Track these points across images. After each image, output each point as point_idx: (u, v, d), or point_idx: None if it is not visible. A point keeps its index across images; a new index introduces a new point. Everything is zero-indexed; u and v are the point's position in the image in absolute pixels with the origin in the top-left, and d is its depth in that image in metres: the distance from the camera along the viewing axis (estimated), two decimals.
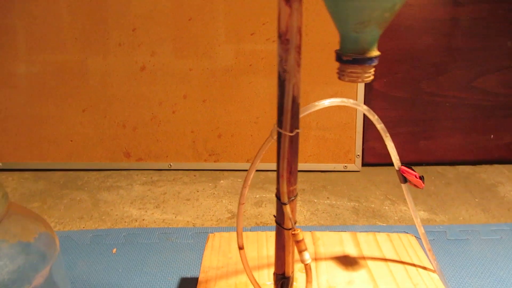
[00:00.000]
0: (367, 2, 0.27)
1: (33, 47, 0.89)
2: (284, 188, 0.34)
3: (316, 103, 0.37)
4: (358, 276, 0.46)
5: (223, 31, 0.88)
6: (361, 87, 0.91)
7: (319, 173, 0.92)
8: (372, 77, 0.31)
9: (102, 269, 0.60)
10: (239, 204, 0.37)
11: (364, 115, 0.93)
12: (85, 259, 0.62)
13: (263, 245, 0.51)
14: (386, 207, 0.79)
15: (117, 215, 0.76)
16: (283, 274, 0.37)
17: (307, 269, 0.35)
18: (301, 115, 0.34)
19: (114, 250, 0.65)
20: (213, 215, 0.76)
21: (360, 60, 0.30)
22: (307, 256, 0.34)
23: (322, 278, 0.45)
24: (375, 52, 0.30)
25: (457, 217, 0.76)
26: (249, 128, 0.92)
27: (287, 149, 0.33)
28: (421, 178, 0.41)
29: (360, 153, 0.94)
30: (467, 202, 0.81)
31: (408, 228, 0.70)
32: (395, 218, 0.75)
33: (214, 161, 0.93)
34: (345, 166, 0.93)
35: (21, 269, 0.31)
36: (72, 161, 0.94)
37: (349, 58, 0.30)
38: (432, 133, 0.96)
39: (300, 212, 0.77)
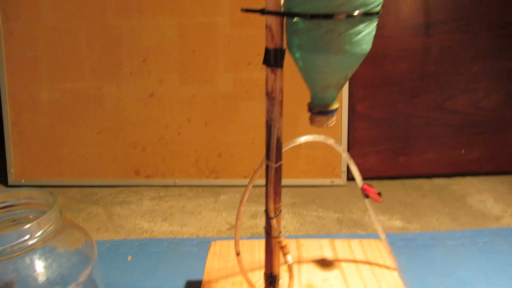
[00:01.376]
0: (328, 74, 0.38)
1: (55, 76, 1.01)
2: (271, 206, 0.45)
3: (295, 140, 0.48)
4: (332, 275, 0.56)
5: (223, 62, 1.00)
6: (345, 110, 1.03)
7: (309, 188, 1.03)
8: (334, 123, 0.42)
9: (120, 273, 0.71)
10: (236, 219, 0.48)
11: (348, 135, 1.04)
12: (105, 265, 0.73)
13: (256, 251, 0.61)
14: (367, 218, 0.89)
15: (129, 227, 0.87)
16: (271, 273, 0.48)
17: (290, 268, 0.46)
18: (283, 150, 0.45)
19: (129, 257, 0.75)
20: (214, 226, 0.87)
21: (324, 112, 0.41)
22: (289, 258, 0.45)
23: (303, 277, 0.56)
24: (335, 106, 0.41)
25: (429, 225, 0.86)
26: (246, 148, 1.03)
27: (273, 176, 0.44)
28: (379, 194, 0.52)
29: (345, 169, 1.04)
30: (439, 212, 0.91)
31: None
32: (373, 227, 0.86)
33: (215, 178, 1.04)
34: (332, 181, 1.04)
35: (73, 267, 0.42)
36: (88, 178, 1.05)
37: (317, 111, 0.41)
38: (410, 150, 1.07)
39: (291, 223, 0.88)
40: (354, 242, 0.63)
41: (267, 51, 0.39)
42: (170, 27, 0.98)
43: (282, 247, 0.44)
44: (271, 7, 0.37)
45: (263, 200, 0.96)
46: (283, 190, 1.02)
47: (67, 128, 1.03)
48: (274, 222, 0.45)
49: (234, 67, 1.00)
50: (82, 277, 0.43)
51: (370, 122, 1.05)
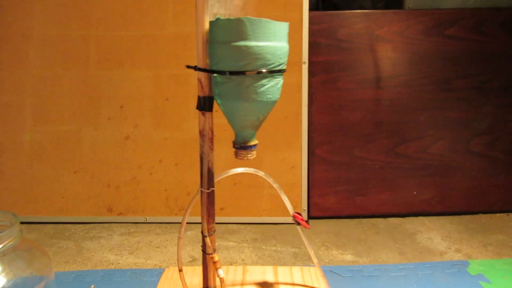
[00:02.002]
0: (242, 117, 0.47)
1: (38, 119, 1.10)
2: (205, 226, 0.52)
3: (227, 171, 0.57)
4: None
5: (193, 109, 1.10)
6: (305, 154, 1.12)
7: (271, 225, 1.10)
8: (254, 156, 0.51)
9: None
10: (178, 238, 0.55)
11: (308, 176, 1.13)
12: None
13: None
14: (321, 252, 0.96)
15: (97, 259, 0.92)
16: (207, 286, 0.54)
17: (222, 281, 0.52)
18: (216, 179, 0.54)
19: (92, 286, 0.80)
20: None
21: (244, 147, 0.50)
22: (220, 272, 0.52)
23: None
24: (253, 142, 0.50)
25: (377, 259, 0.93)
26: None
27: (206, 200, 0.52)
28: (307, 221, 0.60)
29: (306, 207, 1.12)
30: (388, 247, 0.98)
31: (333, 267, 0.87)
32: (326, 260, 0.92)
33: (183, 215, 1.11)
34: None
35: (28, 279, 0.48)
36: (62, 215, 1.10)
37: (238, 146, 0.50)
38: (365, 191, 1.15)
39: (250, 257, 0.94)
40: (295, 269, 0.70)
41: (198, 98, 0.48)
42: (147, 78, 1.10)
43: (214, 263, 0.51)
44: (200, 65, 0.47)
45: (228, 236, 1.03)
46: (247, 227, 1.09)
47: (45, 167, 1.10)
48: (208, 240, 0.52)
49: None
50: None
51: (329, 165, 1.14)
